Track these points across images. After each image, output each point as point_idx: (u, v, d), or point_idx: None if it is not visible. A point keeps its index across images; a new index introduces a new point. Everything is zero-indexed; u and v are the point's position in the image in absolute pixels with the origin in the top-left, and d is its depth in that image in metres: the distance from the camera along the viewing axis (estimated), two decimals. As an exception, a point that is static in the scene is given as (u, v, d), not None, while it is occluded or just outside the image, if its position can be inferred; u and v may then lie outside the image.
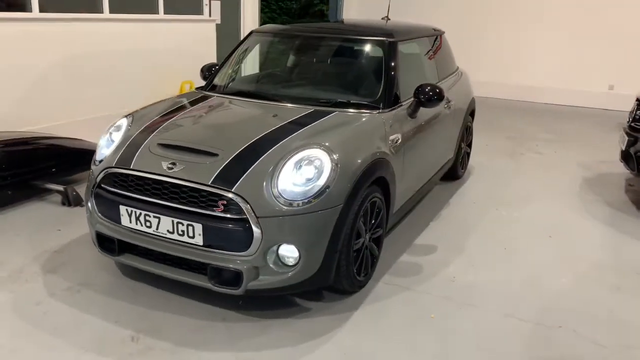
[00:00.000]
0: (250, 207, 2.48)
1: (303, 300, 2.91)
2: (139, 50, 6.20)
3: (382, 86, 3.42)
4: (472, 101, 5.05)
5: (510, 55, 9.67)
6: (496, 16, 9.74)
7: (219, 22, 7.55)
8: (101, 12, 5.81)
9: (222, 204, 2.52)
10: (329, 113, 3.13)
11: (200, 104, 3.35)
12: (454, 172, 4.92)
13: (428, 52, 4.22)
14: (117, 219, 2.75)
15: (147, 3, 6.51)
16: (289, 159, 2.62)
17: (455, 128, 4.56)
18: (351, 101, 3.33)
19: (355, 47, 3.78)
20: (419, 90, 3.39)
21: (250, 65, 3.85)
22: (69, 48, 5.42)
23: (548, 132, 7.29)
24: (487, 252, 3.60)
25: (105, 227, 2.84)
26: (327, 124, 2.97)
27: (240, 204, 2.49)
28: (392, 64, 3.49)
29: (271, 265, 2.57)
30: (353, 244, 2.79)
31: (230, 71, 3.83)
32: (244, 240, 2.51)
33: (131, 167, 2.74)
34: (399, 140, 3.24)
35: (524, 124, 7.78)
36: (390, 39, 3.58)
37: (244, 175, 2.55)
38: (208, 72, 3.94)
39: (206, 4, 7.29)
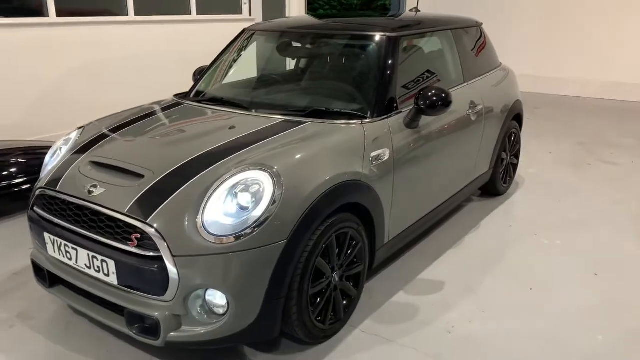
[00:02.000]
0: (166, 242, 2.04)
1: (252, 351, 2.43)
2: (168, 54, 5.98)
3: (372, 91, 2.85)
4: (517, 104, 4.29)
5: (590, 47, 8.53)
6: (571, 1, 8.63)
7: (260, 21, 7.20)
8: (126, 14, 5.64)
9: (136, 238, 2.10)
10: (299, 124, 2.62)
11: (162, 113, 2.95)
12: (493, 188, 4.20)
13: (452, 48, 3.57)
14: (45, 247, 2.43)
15: (179, 3, 6.28)
16: (222, 183, 2.14)
17: (491, 136, 3.86)
18: (332, 109, 2.80)
19: (347, 45, 3.22)
20: (419, 95, 2.79)
21: (240, 68, 3.42)
22: (89, 53, 5.28)
23: (629, 137, 6.24)
24: (507, 293, 2.91)
25: (38, 255, 2.53)
26: (289, 138, 2.46)
27: (154, 239, 2.05)
28: (389, 63, 2.90)
29: (195, 314, 2.12)
30: (309, 287, 2.27)
31: (213, 75, 3.41)
32: (160, 282, 2.07)
33: (57, 188, 2.40)
34: (386, 157, 2.66)
35: (600, 127, 6.75)
36: (390, 34, 2.99)
37: (164, 203, 2.11)
38: (200, 75, 3.56)
39: (245, 3, 6.97)
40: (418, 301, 2.82)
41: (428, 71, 3.30)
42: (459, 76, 3.55)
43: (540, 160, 5.32)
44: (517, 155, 4.48)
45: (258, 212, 2.09)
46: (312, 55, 3.36)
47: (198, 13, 6.38)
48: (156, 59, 5.86)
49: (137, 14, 5.69)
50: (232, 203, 2.11)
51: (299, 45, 3.38)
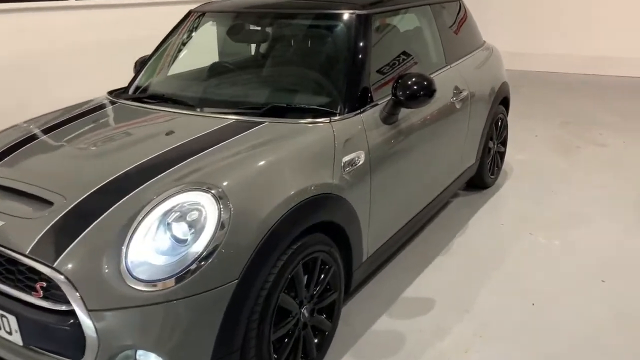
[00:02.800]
0: (79, 293, 1.56)
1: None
2: (117, 42, 5.39)
3: (342, 80, 2.39)
4: (504, 86, 3.87)
5: (570, 20, 8.15)
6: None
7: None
8: (65, -2, 5.03)
9: (41, 287, 1.63)
10: (254, 125, 2.14)
11: (89, 117, 2.44)
12: (480, 181, 3.80)
13: (432, 26, 3.11)
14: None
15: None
16: (150, 210, 1.67)
17: (477, 124, 3.43)
18: (294, 105, 2.33)
19: (311, 27, 2.73)
20: (397, 84, 2.33)
21: (187, 57, 2.92)
22: (22, 43, 4.68)
23: (616, 115, 5.89)
24: (506, 311, 2.51)
25: None
26: (240, 145, 1.99)
27: (64, 288, 1.58)
28: (361, 46, 2.44)
29: (122, 381, 1.66)
30: (271, 332, 1.83)
31: (156, 67, 2.90)
32: (75, 343, 1.60)
33: (-53, 220, 1.89)
34: (361, 161, 2.21)
35: (585, 104, 6.39)
36: (360, 11, 2.52)
37: (77, 240, 1.63)
38: (141, 67, 3.04)
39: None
40: (404, 327, 2.40)
41: (405, 54, 2.84)
42: (440, 58, 3.10)
43: (528, 144, 4.93)
44: (504, 143, 4.08)
45: (199, 247, 1.63)
46: (270, 39, 2.86)
47: None
48: (103, 48, 5.27)
49: (79, -3, 5.08)
50: (165, 236, 1.64)
51: (254, 28, 2.88)
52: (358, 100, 2.33)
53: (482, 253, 3.03)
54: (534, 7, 8.34)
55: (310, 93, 2.45)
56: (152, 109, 2.44)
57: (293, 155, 1.97)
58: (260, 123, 2.16)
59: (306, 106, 2.31)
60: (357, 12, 2.51)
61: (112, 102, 2.58)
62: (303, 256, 1.91)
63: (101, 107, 2.55)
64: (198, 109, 2.35)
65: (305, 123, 2.17)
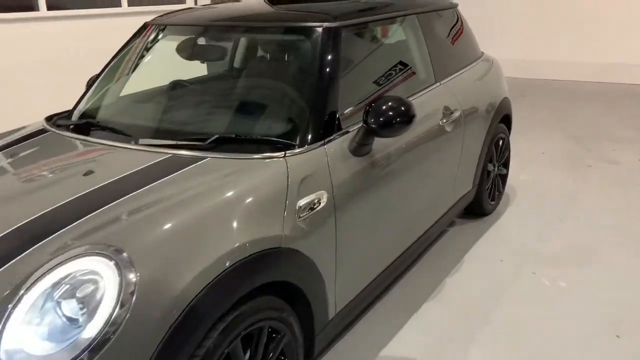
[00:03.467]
0: None
1: None
2: (93, 55, 5.07)
3: (304, 105, 2.03)
4: (505, 102, 3.49)
5: (582, 25, 7.73)
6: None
7: (208, 11, 6.32)
8: (37, 9, 4.73)
9: None
10: (192, 162, 1.78)
11: (8, 150, 2.09)
12: (478, 208, 3.41)
13: (419, 38, 2.74)
14: None
15: (106, -6, 5.38)
16: (35, 282, 1.32)
17: (473, 147, 3.06)
18: (245, 135, 1.97)
19: (272, 42, 2.38)
20: (369, 110, 1.97)
21: (140, 76, 2.57)
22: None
23: (630, 128, 5.47)
24: (502, 376, 2.13)
25: None
26: (165, 191, 1.62)
27: None
28: (329, 64, 2.07)
29: None
30: None
31: (103, 88, 2.56)
32: None
33: None
34: (323, 203, 1.84)
35: (597, 116, 5.98)
36: (329, 23, 2.15)
37: (-64, 324, 1.29)
38: (88, 87, 2.70)
39: (189, -10, 6.08)
40: (379, 398, 2.03)
41: (385, 72, 2.48)
42: (428, 75, 2.73)
43: (533, 162, 4.54)
44: (506, 164, 3.68)
45: (92, 331, 1.27)
46: (225, 57, 2.50)
47: (130, 4, 5.47)
48: (77, 61, 4.96)
49: (50, 8, 4.78)
50: (52, 316, 1.29)
51: (210, 43, 2.52)
52: (323, 129, 1.97)
53: (476, 299, 2.64)
54: (542, 12, 7.94)
55: (267, 121, 2.08)
56: (84, 140, 2.09)
57: (231, 202, 1.61)
58: (201, 159, 1.80)
59: (259, 137, 1.95)
60: (326, 24, 2.15)
61: (43, 131, 2.24)
62: (242, 329, 1.55)
63: (29, 137, 2.20)
64: (133, 142, 2.00)
65: (256, 159, 1.81)
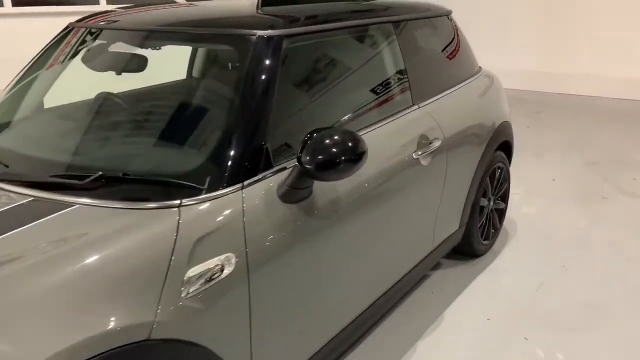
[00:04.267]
0: None
1: None
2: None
3: (219, 136, 1.58)
4: (504, 127, 2.99)
5: (603, 35, 7.15)
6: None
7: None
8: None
9: None
10: (56, 209, 1.35)
11: None
12: (468, 248, 2.93)
13: (394, 52, 2.27)
14: None
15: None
16: None
17: (460, 181, 2.58)
18: (136, 175, 1.52)
19: (194, 54, 1.93)
20: (305, 145, 1.51)
21: (58, 89, 2.15)
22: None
23: (655, 155, 4.92)
24: None
25: None
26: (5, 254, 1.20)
27: None
28: (259, 83, 1.62)
29: None
30: None
31: (12, 101, 2.13)
32: None
33: None
34: (228, 271, 1.39)
35: (617, 138, 5.42)
36: (264, 31, 1.71)
37: None
38: None
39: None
40: None
41: (344, 94, 2.02)
42: (404, 97, 2.26)
43: (541, 192, 4.02)
44: (504, 198, 3.19)
45: None
46: (134, 69, 2.06)
47: (14, 4, 4.60)
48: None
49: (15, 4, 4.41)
50: None
51: (119, 51, 2.06)
52: (244, 166, 1.52)
53: (453, 370, 2.16)
54: (563, 21, 7.38)
55: (168, 155, 1.64)
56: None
57: (83, 276, 1.16)
58: (68, 206, 1.37)
59: (154, 177, 1.51)
60: (260, 33, 1.70)
61: None
62: None
63: None
64: (10, 175, 1.56)
65: (139, 209, 1.37)
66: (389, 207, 2.02)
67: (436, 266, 2.90)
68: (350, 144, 1.52)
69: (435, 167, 2.28)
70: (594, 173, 4.42)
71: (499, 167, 3.03)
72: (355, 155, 1.52)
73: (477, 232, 2.90)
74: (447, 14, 2.83)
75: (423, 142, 2.21)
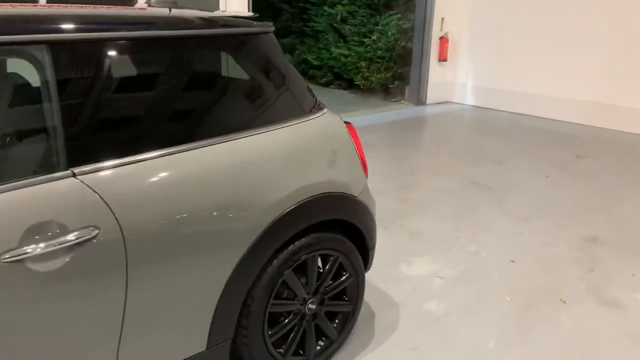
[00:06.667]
0: None
1: None
2: None
3: None
4: (315, 204, 2.00)
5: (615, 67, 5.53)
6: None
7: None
8: None
9: None
10: None
11: None
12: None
13: (46, 89, 1.47)
14: None
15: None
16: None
17: (180, 283, 1.70)
18: None
19: None
20: None
21: None
22: None
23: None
24: None
25: None
26: None
27: None
28: None
29: None
30: None
31: None
32: None
33: None
34: None
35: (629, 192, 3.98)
36: None
37: None
38: None
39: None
40: None
41: None
42: (46, 159, 1.46)
43: (478, 277, 2.92)
44: (351, 295, 2.20)
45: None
46: None
47: None
48: None
49: None
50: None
51: None
52: None
53: None
54: (629, 45, 5.88)
55: None
56: None
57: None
58: None
59: None
60: None
61: None
62: None
63: None
64: None
65: None
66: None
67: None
68: None
69: (84, 274, 1.45)
70: (588, 257, 3.17)
71: (330, 256, 2.09)
72: None
73: (265, 347, 1.98)
74: (254, 31, 1.93)
75: (47, 232, 1.39)
